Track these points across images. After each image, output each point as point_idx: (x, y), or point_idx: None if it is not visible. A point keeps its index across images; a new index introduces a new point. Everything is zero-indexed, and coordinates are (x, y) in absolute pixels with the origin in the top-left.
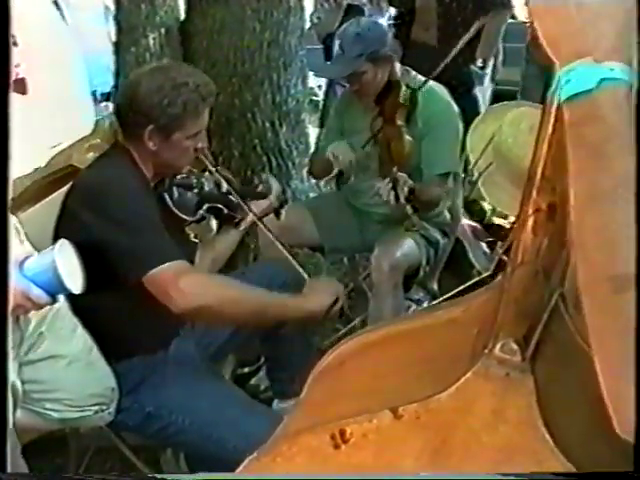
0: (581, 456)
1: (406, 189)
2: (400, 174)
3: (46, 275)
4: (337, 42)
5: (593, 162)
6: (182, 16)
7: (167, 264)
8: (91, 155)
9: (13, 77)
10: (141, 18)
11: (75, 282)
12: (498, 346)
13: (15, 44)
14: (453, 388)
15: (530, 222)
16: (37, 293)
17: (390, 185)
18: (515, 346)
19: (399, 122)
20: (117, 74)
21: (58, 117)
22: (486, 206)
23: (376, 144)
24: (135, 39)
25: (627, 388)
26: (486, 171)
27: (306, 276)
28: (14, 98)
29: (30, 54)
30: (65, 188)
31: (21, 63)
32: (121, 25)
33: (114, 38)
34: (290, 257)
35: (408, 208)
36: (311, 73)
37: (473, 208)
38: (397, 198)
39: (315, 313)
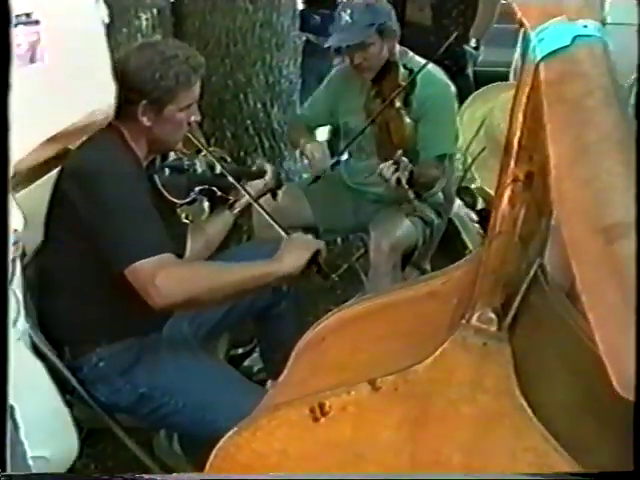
0: (561, 425)
1: (407, 173)
2: (402, 158)
3: None
4: (346, 11)
5: (575, 117)
6: None
7: (147, 259)
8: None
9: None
10: None
11: None
12: (475, 316)
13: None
14: (431, 359)
15: (507, 192)
16: None
17: (393, 167)
18: (493, 315)
19: (397, 104)
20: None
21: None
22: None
23: (374, 125)
24: (127, 20)
25: (626, 343)
26: (479, 156)
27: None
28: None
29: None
30: (58, 169)
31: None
32: (112, 6)
33: (105, 19)
34: (285, 235)
35: (410, 193)
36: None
37: (465, 192)
38: (398, 181)
39: (291, 274)
